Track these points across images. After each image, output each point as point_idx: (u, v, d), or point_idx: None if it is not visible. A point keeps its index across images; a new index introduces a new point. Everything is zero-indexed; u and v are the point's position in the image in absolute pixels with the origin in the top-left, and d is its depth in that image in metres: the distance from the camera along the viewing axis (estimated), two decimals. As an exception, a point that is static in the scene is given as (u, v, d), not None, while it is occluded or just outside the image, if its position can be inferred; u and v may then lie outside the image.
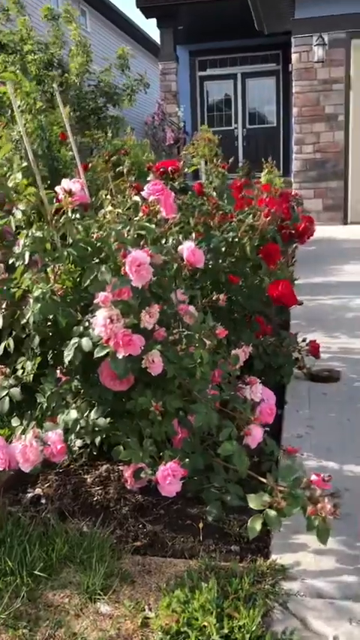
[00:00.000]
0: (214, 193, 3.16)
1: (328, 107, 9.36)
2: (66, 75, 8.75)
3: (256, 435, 1.97)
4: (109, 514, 2.11)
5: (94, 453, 2.39)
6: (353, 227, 9.43)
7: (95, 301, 1.79)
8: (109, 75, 9.30)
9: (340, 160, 9.74)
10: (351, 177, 9.72)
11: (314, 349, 2.95)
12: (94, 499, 2.18)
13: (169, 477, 1.88)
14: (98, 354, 1.76)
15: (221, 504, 2.00)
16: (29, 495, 2.21)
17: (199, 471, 2.07)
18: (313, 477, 1.74)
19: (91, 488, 2.24)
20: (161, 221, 2.33)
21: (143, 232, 2.10)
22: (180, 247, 2.13)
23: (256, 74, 14.03)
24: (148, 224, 2.22)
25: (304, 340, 3.02)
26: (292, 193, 3.97)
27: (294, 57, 9.36)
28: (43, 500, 2.18)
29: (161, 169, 2.83)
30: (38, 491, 2.23)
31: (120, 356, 1.73)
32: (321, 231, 5.77)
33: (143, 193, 2.31)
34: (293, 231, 3.64)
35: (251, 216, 2.91)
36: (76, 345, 1.87)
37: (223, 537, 2.01)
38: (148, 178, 2.86)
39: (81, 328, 1.94)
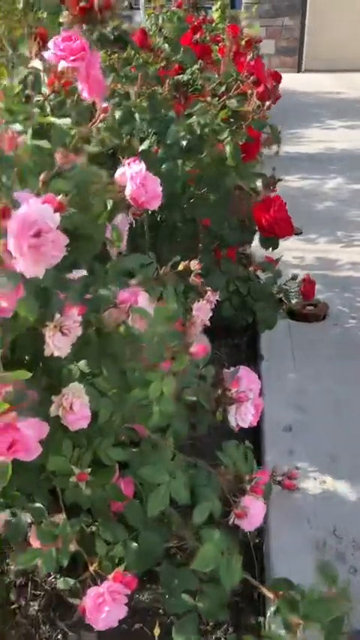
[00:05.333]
0: (167, 46, 2.04)
1: None
2: None
3: (255, 515, 1.15)
4: (8, 617, 1.31)
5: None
6: (309, 76, 8.14)
7: None
8: None
9: (299, -9, 8.17)
10: (309, 14, 8.23)
11: (308, 290, 2.06)
12: (-17, 587, 1.37)
13: (107, 605, 1.07)
14: None
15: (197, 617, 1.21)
16: None
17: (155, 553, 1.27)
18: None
19: (-23, 563, 1.41)
20: (81, 109, 1.30)
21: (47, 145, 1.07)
22: (119, 172, 1.12)
23: None
24: (55, 119, 1.19)
25: (294, 278, 2.10)
26: (256, 39, 2.87)
27: None
28: None
29: (81, 3, 1.67)
30: None
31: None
32: (277, 82, 4.67)
33: (47, 55, 1.23)
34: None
35: (222, 89, 1.87)
36: None
37: (191, 651, 1.27)
38: (61, 19, 1.71)
39: None
